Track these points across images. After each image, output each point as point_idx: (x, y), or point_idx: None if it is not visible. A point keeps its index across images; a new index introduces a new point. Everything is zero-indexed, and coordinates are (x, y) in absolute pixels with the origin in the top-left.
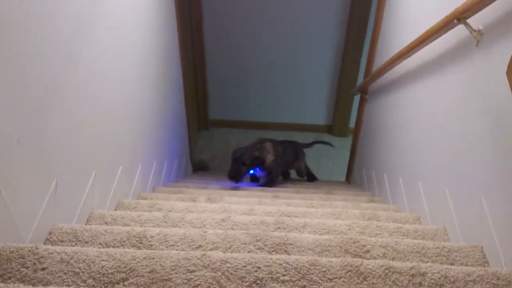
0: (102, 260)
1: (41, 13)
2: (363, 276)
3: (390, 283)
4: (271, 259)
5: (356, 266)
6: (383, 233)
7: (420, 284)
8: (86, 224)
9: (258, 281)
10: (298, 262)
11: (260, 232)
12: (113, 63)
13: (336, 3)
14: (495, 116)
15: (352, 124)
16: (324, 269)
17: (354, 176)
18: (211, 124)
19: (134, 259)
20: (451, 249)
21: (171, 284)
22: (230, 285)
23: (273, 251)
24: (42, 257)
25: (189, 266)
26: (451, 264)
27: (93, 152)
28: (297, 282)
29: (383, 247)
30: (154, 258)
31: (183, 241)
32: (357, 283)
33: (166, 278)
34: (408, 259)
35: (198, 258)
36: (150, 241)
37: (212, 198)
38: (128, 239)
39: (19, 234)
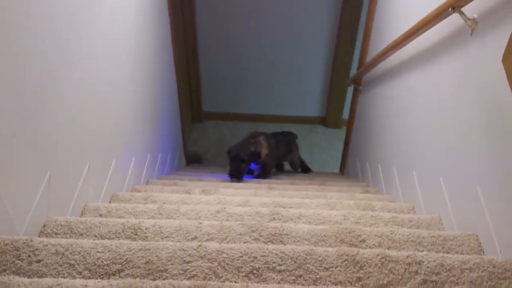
0: (98, 252)
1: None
2: (359, 265)
3: (386, 271)
4: (267, 249)
5: (352, 255)
6: (378, 222)
7: (416, 272)
8: (80, 217)
9: (254, 271)
10: (294, 252)
11: (256, 223)
12: (107, 56)
13: None
14: (490, 105)
15: (345, 115)
16: (320, 258)
17: (348, 167)
18: (204, 116)
19: (130, 251)
20: (446, 237)
21: (167, 275)
22: (226, 275)
23: (268, 241)
24: (37, 249)
25: (185, 257)
26: (447, 252)
27: (87, 144)
28: (293, 271)
29: (379, 237)
30: (150, 249)
31: (178, 232)
32: (353, 272)
33: (162, 269)
34: (403, 248)
35: (194, 249)
36: (145, 233)
37: (206, 190)
38: (123, 231)
39: (13, 226)
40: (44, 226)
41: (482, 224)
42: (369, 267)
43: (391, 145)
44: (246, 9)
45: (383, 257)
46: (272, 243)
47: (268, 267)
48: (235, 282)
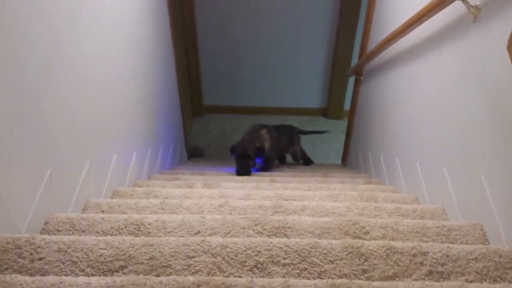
0: (100, 249)
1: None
2: (364, 257)
3: (391, 263)
4: (271, 242)
5: (357, 247)
6: (382, 214)
7: (421, 263)
8: (82, 213)
9: (259, 265)
10: (299, 245)
11: (259, 216)
12: (105, 51)
13: None
14: (494, 93)
15: (347, 106)
16: (325, 251)
17: (350, 159)
18: (205, 110)
19: (133, 247)
20: (451, 228)
21: (171, 270)
22: (230, 269)
23: (272, 235)
24: (39, 247)
25: (189, 252)
26: (452, 243)
27: (87, 140)
28: (298, 265)
29: (383, 228)
30: (153, 245)
31: (181, 227)
32: (358, 264)
33: (165, 264)
34: (408, 239)
35: (198, 244)
36: (148, 228)
37: (209, 184)
38: (125, 226)
39: (14, 224)
40: (46, 223)
41: (487, 214)
42: (374, 259)
43: (394, 136)
44: (245, 1)
45: (388, 249)
46: (276, 236)
47: (272, 261)
48: (240, 276)
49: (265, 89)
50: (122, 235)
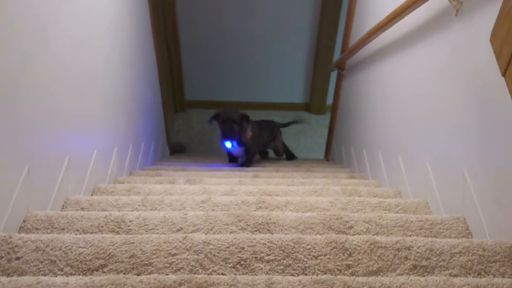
0: (79, 247)
1: None
2: (348, 252)
3: (375, 258)
4: (254, 239)
5: (341, 243)
6: (365, 208)
7: (406, 258)
8: (61, 210)
9: (242, 262)
10: (282, 241)
11: (242, 212)
12: (84, 42)
13: None
14: (476, 86)
15: (329, 101)
16: (309, 246)
17: (333, 153)
18: (187, 105)
19: (113, 245)
20: (434, 221)
21: (153, 268)
22: (213, 267)
23: (255, 230)
24: (16, 246)
25: (171, 249)
26: (435, 236)
27: (66, 134)
28: (282, 261)
29: (366, 222)
30: (133, 243)
31: (163, 224)
32: (342, 260)
33: (147, 262)
34: (391, 233)
35: (180, 241)
36: (129, 226)
37: (191, 179)
38: (106, 224)
39: None
40: (24, 221)
41: (469, 207)
42: (358, 254)
43: (376, 130)
44: None
45: (372, 244)
46: (260, 232)
47: (256, 257)
48: (223, 274)
49: (248, 84)
50: (102, 233)
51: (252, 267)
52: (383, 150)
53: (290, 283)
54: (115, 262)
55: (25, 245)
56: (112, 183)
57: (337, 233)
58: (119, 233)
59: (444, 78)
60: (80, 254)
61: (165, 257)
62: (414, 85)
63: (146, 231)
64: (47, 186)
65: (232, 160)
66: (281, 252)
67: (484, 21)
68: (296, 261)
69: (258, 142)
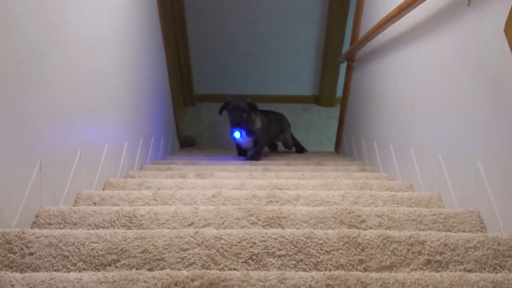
0: (92, 242)
1: None
2: (361, 247)
3: (388, 253)
4: (266, 233)
5: (354, 237)
6: (377, 202)
7: (419, 252)
8: (74, 205)
9: (254, 257)
10: (294, 235)
11: (253, 207)
12: (95, 37)
13: None
14: (489, 77)
15: (339, 93)
16: (321, 241)
17: (343, 146)
18: (196, 99)
19: (125, 240)
20: (447, 215)
21: (165, 263)
22: (225, 262)
23: (267, 225)
24: (29, 241)
25: (182, 244)
26: (448, 230)
27: (77, 129)
28: (293, 256)
29: (379, 216)
30: (145, 238)
31: (174, 218)
32: (355, 255)
33: (159, 257)
34: (404, 228)
35: (191, 236)
36: (140, 220)
37: (201, 173)
38: (117, 219)
39: (4, 218)
40: (37, 216)
41: (483, 200)
42: (371, 248)
43: (387, 122)
44: None
45: (385, 238)
46: (271, 226)
47: (267, 252)
48: (235, 269)
49: (256, 77)
50: (114, 228)
51: (264, 262)
52: (395, 143)
53: (302, 279)
54: (128, 257)
55: (38, 241)
56: (123, 177)
57: (349, 228)
58: (131, 228)
59: (456, 69)
60: (92, 249)
61: (177, 252)
62: (425, 76)
63: (158, 225)
64: (60, 181)
65: (241, 153)
66: (292, 247)
67: (497, 11)
68: (308, 256)
69: (267, 133)
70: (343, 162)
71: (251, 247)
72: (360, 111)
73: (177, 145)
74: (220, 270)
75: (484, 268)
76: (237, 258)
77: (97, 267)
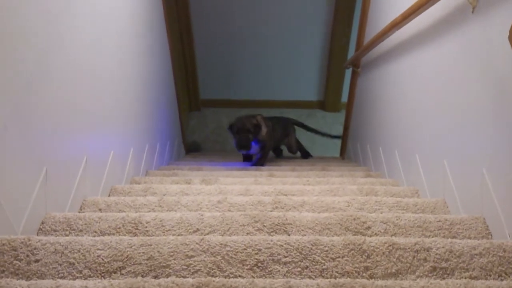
0: (98, 249)
1: None
2: (366, 254)
3: (394, 260)
4: (271, 240)
5: (359, 244)
6: (383, 208)
7: (425, 259)
8: (79, 212)
9: (259, 264)
10: (300, 242)
11: (258, 213)
12: (100, 43)
13: None
14: (494, 83)
15: (344, 98)
16: (326, 248)
17: (348, 151)
18: (202, 104)
19: (131, 247)
20: (453, 221)
21: (170, 270)
22: (230, 269)
23: (272, 231)
24: (35, 248)
25: (188, 251)
26: (454, 237)
27: (83, 136)
28: (299, 263)
29: (384, 223)
30: (151, 245)
31: (180, 225)
32: (360, 262)
33: (164, 264)
34: (410, 234)
35: (197, 243)
36: (146, 227)
37: (207, 179)
38: (123, 225)
39: (10, 225)
40: (42, 223)
41: (489, 207)
42: (377, 255)
43: (392, 128)
44: None
45: (390, 245)
46: (276, 233)
47: (273, 259)
48: (240, 276)
49: (262, 82)
50: (119, 235)
51: (269, 269)
52: (400, 148)
53: (308, 286)
54: (133, 264)
55: (44, 248)
56: (128, 183)
57: (355, 234)
58: (136, 235)
59: (461, 76)
60: (98, 256)
61: (182, 259)
62: (430, 82)
63: (163, 232)
64: (65, 188)
65: (247, 158)
66: (298, 254)
67: (502, 18)
68: (314, 263)
69: (273, 137)
70: (348, 168)
71: (257, 254)
72: (365, 117)
73: (182, 150)
74: (225, 277)
75: (490, 275)
76: (243, 265)
77: (102, 275)
